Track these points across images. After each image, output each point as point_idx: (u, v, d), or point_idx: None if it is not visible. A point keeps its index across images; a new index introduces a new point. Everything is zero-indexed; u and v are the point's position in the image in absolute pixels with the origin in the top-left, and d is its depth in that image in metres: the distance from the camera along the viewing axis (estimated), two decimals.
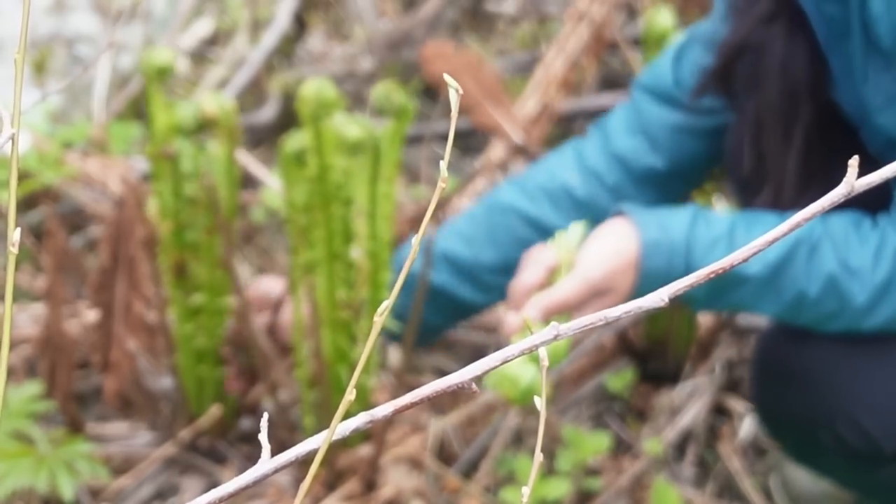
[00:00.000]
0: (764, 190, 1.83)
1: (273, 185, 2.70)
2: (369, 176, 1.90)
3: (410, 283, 1.95)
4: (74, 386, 2.13)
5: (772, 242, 0.72)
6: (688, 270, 1.77)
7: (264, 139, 3.02)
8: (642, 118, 2.00)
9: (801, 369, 1.86)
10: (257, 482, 0.76)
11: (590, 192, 2.01)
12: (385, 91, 1.90)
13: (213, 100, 2.00)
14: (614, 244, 1.80)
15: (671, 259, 1.79)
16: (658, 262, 1.79)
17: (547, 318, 1.80)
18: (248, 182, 2.72)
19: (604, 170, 2.01)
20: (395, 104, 1.90)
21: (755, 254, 0.73)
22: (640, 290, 1.80)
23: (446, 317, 2.09)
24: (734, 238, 1.79)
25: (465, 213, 2.10)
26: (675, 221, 1.81)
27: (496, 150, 2.79)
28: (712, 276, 0.73)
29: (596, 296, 1.80)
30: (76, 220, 2.68)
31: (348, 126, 1.86)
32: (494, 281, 2.02)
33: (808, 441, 1.88)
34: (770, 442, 2.25)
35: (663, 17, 2.11)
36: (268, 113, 3.08)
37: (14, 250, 0.73)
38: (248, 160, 2.79)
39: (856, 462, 1.82)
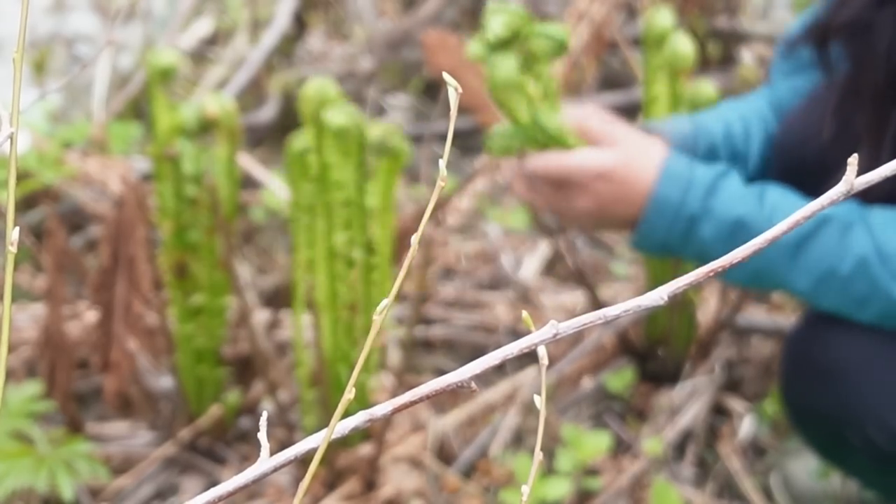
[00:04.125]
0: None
1: (273, 186, 2.70)
2: (355, 165, 1.88)
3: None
4: (74, 386, 2.13)
5: (769, 241, 0.72)
6: (703, 211, 1.73)
7: (264, 139, 3.02)
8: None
9: (832, 367, 1.82)
10: (256, 481, 0.76)
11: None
12: (382, 133, 1.89)
13: (215, 101, 2.00)
14: (640, 155, 1.75)
15: (687, 192, 1.73)
16: (672, 191, 1.73)
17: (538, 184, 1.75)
18: (247, 182, 2.72)
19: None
20: (391, 146, 1.88)
21: (755, 251, 0.73)
22: (646, 220, 1.75)
23: None
24: (764, 198, 1.74)
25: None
26: (706, 167, 1.76)
27: None
28: (712, 273, 0.72)
29: (582, 188, 1.74)
30: (76, 220, 2.68)
31: (334, 114, 1.85)
32: None
33: (835, 439, 1.85)
34: (772, 441, 2.25)
35: (663, 17, 2.10)
36: (268, 113, 3.08)
37: (13, 250, 0.73)
38: (248, 160, 2.79)
39: (883, 464, 1.80)
